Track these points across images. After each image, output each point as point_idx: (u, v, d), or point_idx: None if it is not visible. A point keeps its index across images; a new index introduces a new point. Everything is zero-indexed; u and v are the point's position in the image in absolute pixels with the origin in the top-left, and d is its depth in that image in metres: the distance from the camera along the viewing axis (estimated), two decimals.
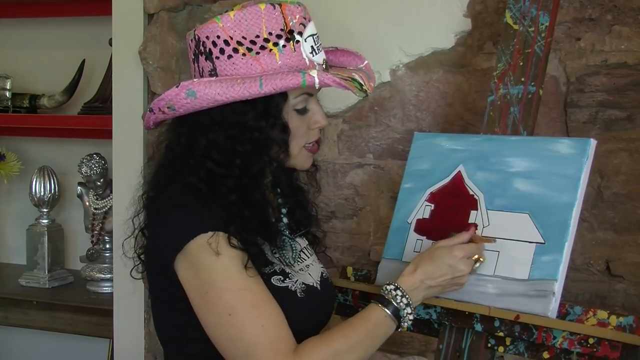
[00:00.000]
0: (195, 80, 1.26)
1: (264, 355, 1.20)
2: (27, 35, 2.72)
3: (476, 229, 1.37)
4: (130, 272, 1.43)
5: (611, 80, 1.61)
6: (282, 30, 1.27)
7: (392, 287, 1.28)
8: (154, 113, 1.32)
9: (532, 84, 1.47)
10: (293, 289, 1.33)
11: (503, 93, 1.50)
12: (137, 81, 2.07)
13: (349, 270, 1.63)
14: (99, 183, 2.45)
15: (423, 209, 1.49)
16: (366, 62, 1.47)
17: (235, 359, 1.23)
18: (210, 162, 1.27)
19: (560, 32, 1.63)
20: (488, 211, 1.40)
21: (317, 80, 1.23)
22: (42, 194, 2.52)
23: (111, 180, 2.34)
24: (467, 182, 1.45)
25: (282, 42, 1.26)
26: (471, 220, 1.41)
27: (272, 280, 1.31)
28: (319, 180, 1.54)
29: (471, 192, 1.43)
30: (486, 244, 1.35)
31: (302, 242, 1.47)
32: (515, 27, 1.51)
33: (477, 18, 1.73)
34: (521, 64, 1.49)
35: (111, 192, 2.40)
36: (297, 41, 1.27)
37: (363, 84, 1.30)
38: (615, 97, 1.61)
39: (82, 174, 2.44)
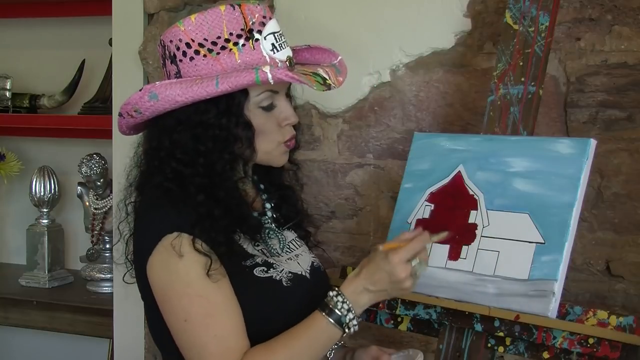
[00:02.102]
0: (157, 83, 1.29)
1: None
2: (27, 35, 2.72)
3: (423, 229, 1.31)
4: (123, 277, 1.44)
5: (611, 80, 1.61)
6: (242, 30, 1.29)
7: (334, 292, 1.27)
8: (124, 117, 1.35)
9: (532, 84, 1.47)
10: (278, 278, 1.33)
11: (503, 93, 1.50)
12: (137, 81, 2.07)
13: (349, 270, 1.63)
14: (99, 183, 2.45)
15: (423, 209, 1.49)
16: (340, 57, 1.47)
17: None
18: (175, 161, 1.30)
19: (560, 32, 1.63)
20: (488, 211, 1.40)
21: (269, 76, 1.24)
22: (42, 194, 2.52)
23: (111, 180, 2.34)
24: (467, 182, 1.45)
25: (241, 41, 1.29)
26: (471, 220, 1.41)
27: (254, 272, 1.32)
28: (300, 178, 1.56)
29: (471, 192, 1.43)
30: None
31: (290, 235, 1.48)
32: (515, 27, 1.51)
33: (477, 18, 1.73)
34: (521, 64, 1.49)
35: (111, 192, 2.41)
36: (257, 39, 1.30)
37: (327, 78, 1.32)
38: (615, 97, 1.61)
39: (82, 174, 2.44)
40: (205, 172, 1.29)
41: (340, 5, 1.85)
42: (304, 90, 1.57)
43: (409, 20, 1.78)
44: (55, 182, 2.54)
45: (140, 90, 1.29)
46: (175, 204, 1.28)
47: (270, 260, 1.36)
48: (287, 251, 1.43)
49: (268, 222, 1.45)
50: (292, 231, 1.50)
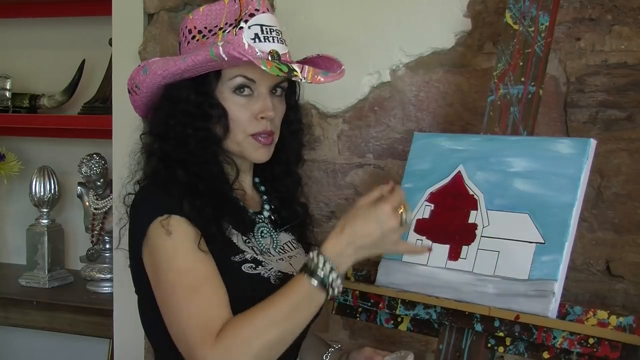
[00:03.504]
0: (151, 59, 1.40)
1: (193, 337, 1.22)
2: (27, 35, 2.72)
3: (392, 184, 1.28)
4: (129, 265, 1.43)
5: (611, 80, 1.61)
6: (235, 20, 1.36)
7: (314, 253, 1.22)
8: (131, 94, 1.44)
9: (532, 84, 1.47)
10: (266, 275, 1.35)
11: (503, 93, 1.50)
12: None
13: (349, 270, 1.63)
14: (99, 183, 2.45)
15: (423, 209, 1.49)
16: (342, 67, 1.45)
17: (174, 338, 1.27)
18: (160, 137, 1.37)
19: (560, 32, 1.63)
20: (488, 211, 1.40)
21: (221, 50, 1.28)
22: (42, 194, 2.52)
23: (111, 180, 2.34)
24: (467, 182, 1.45)
25: (229, 28, 1.35)
26: (471, 220, 1.41)
27: (242, 268, 1.33)
28: (306, 192, 1.60)
29: (471, 192, 1.43)
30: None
31: (286, 237, 1.49)
32: (515, 27, 1.51)
33: (477, 18, 1.73)
34: (521, 64, 1.49)
35: (111, 192, 2.41)
36: (241, 27, 1.34)
37: (297, 71, 1.31)
38: (615, 97, 1.61)
39: (82, 174, 2.44)
40: (179, 148, 1.35)
41: (340, 6, 1.85)
42: (304, 90, 1.57)
43: (409, 20, 1.78)
44: (55, 182, 2.54)
45: (138, 65, 1.39)
46: (164, 188, 1.32)
47: (260, 257, 1.37)
48: (280, 251, 1.44)
49: (263, 221, 1.46)
50: (290, 233, 1.51)
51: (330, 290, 1.22)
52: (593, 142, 1.33)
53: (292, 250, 1.47)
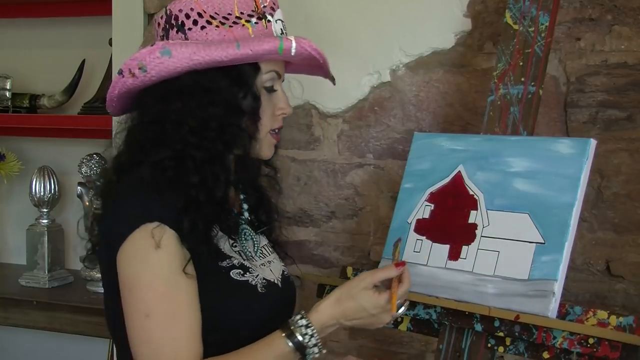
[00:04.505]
0: (170, 41, 1.25)
1: None
2: (27, 35, 2.72)
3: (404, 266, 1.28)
4: (84, 260, 1.41)
5: (611, 80, 1.61)
6: (253, 11, 1.28)
7: (304, 321, 1.22)
8: (123, 76, 1.29)
9: (532, 84, 1.47)
10: (253, 283, 1.31)
11: (503, 93, 1.50)
12: None
13: (349, 270, 1.63)
14: (99, 183, 2.45)
15: (423, 209, 1.49)
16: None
17: (139, 356, 1.21)
18: (184, 129, 1.23)
19: (560, 32, 1.63)
20: (488, 211, 1.40)
21: (294, 44, 1.24)
22: (42, 194, 2.51)
23: None
24: (467, 182, 1.45)
25: (254, 20, 1.28)
26: (471, 220, 1.41)
27: (231, 274, 1.28)
28: (279, 181, 1.52)
29: (471, 192, 1.43)
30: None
31: (263, 240, 1.45)
32: (515, 27, 1.51)
33: (477, 18, 1.73)
34: (521, 64, 1.49)
35: None
36: (269, 20, 1.29)
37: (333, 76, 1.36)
38: (615, 97, 1.61)
39: (82, 174, 2.44)
40: (215, 138, 1.24)
41: (340, 6, 1.85)
42: (304, 89, 1.58)
43: (409, 20, 1.78)
44: (55, 182, 2.54)
45: (151, 45, 1.23)
46: (163, 191, 1.21)
47: (247, 263, 1.33)
48: (260, 256, 1.40)
49: (245, 223, 1.41)
50: (264, 236, 1.47)
51: (307, 357, 1.23)
52: (593, 142, 1.33)
53: (269, 255, 1.43)
